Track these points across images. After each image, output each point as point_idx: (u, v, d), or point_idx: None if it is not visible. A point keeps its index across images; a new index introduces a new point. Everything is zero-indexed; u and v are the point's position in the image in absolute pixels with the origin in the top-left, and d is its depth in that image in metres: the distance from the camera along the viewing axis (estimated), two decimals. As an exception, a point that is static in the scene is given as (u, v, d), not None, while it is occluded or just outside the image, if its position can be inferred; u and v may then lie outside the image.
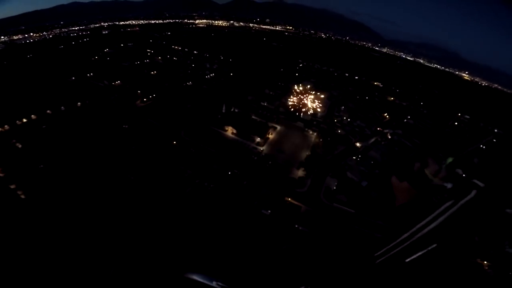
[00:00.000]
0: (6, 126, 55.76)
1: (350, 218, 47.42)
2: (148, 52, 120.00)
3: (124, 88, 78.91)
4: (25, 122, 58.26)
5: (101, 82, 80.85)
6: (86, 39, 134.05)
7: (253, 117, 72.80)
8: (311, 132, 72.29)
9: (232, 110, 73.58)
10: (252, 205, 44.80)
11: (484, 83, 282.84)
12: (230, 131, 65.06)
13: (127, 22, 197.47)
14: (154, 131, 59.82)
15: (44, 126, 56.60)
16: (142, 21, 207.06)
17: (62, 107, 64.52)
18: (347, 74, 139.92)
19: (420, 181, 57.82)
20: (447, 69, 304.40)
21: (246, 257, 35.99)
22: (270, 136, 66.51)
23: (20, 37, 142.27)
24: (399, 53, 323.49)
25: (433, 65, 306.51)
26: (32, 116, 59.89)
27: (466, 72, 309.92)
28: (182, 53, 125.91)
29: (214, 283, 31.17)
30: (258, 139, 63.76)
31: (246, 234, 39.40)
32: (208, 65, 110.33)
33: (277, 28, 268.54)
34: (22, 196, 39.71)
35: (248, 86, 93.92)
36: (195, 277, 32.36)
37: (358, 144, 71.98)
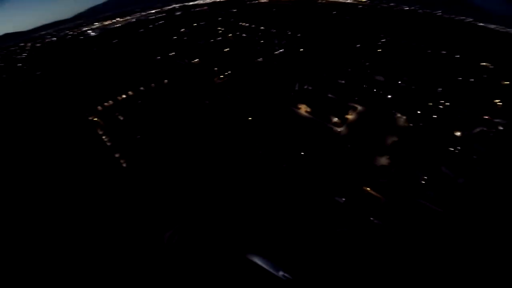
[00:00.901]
0: (110, 101, 65.81)
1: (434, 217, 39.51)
2: (219, 30, 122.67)
3: (203, 65, 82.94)
4: (124, 98, 67.52)
5: (182, 61, 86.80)
6: (163, 22, 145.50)
7: (329, 95, 66.95)
8: (399, 115, 62.35)
9: (305, 87, 69.17)
10: (324, 191, 41.66)
11: None
12: (303, 109, 61.49)
13: (196, 2, 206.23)
14: (232, 107, 61.30)
15: (139, 101, 64.50)
16: (209, 0, 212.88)
17: (152, 84, 72.12)
18: (444, 52, 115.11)
19: None
20: None
21: (310, 244, 33.75)
22: (350, 117, 60.17)
23: (109, 22, 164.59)
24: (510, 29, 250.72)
25: None
26: (129, 92, 68.91)
27: None
28: (250, 29, 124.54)
29: (280, 274, 29.66)
30: (336, 119, 58.48)
31: (314, 221, 36.94)
32: (276, 41, 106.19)
33: (348, 1, 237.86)
34: (124, 165, 46.23)
35: (322, 63, 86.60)
36: (258, 261, 31.30)
37: (458, 134, 58.78)
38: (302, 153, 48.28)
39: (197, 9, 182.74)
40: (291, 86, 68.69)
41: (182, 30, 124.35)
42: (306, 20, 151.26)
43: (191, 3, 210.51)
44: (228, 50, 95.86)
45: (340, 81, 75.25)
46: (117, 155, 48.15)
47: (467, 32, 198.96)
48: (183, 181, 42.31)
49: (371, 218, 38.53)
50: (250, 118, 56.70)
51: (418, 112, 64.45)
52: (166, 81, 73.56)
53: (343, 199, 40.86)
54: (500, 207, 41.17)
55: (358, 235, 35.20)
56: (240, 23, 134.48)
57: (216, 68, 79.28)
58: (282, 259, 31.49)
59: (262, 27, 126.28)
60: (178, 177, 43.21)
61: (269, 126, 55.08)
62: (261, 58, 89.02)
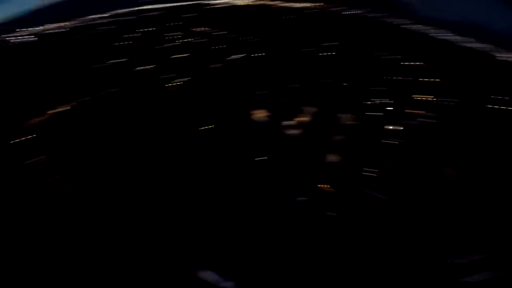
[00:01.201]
0: (43, 116, 60.15)
1: (381, 205, 45.51)
2: (174, 35, 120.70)
3: (156, 72, 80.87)
4: (62, 111, 61.99)
5: (133, 68, 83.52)
6: (113, 26, 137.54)
7: (283, 98, 71.00)
8: (343, 114, 69.01)
9: (262, 92, 72.36)
10: (284, 192, 44.60)
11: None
12: (260, 114, 64.22)
13: (150, 7, 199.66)
14: (188, 113, 61.14)
15: (81, 115, 60.03)
16: (158, 5, 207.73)
17: (99, 94, 67.92)
18: (382, 53, 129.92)
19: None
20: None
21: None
22: (303, 119, 64.72)
23: (52, 26, 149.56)
24: (439, 31, 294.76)
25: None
26: (69, 104, 63.55)
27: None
28: (206, 34, 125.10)
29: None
30: (290, 122, 62.23)
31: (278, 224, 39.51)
32: (233, 46, 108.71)
33: (302, 5, 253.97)
34: (67, 188, 42.63)
35: (279, 68, 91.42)
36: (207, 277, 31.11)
37: (396, 127, 67.44)
38: (261, 158, 50.77)
39: (152, 13, 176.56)
40: (249, 92, 71.15)
41: (134, 35, 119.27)
42: (266, 25, 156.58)
43: (145, 7, 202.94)
44: (184, 56, 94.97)
45: (293, 84, 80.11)
46: (55, 179, 44.38)
47: (405, 33, 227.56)
48: (137, 201, 41.12)
49: (329, 213, 42.33)
50: (210, 126, 57.40)
51: (361, 110, 72.19)
52: (114, 90, 69.94)
53: (305, 198, 44.14)
54: (436, 190, 49.04)
55: (318, 231, 38.50)
56: (198, 28, 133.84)
57: (171, 75, 78.02)
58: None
59: (221, 32, 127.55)
60: (132, 197, 41.84)
61: (226, 133, 56.54)
62: (218, 64, 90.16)
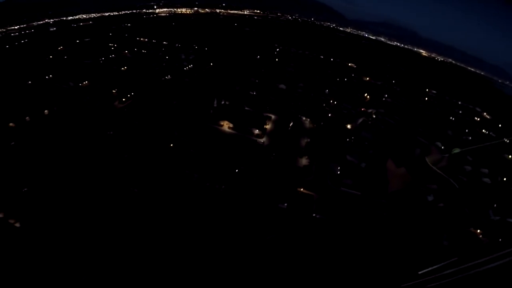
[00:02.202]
0: None
1: (357, 200, 49.22)
2: (112, 46, 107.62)
3: (95, 88, 70.01)
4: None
5: (66, 84, 70.69)
6: (32, 39, 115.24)
7: (246, 108, 70.18)
8: (304, 118, 72.32)
9: (222, 103, 69.99)
10: (267, 201, 43.83)
11: (439, 58, 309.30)
12: (226, 125, 61.99)
13: (77, 17, 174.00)
14: (144, 134, 54.42)
15: (12, 143, 47.76)
16: (94, 15, 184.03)
17: (27, 118, 55.15)
18: (322, 57, 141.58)
19: (418, 168, 61.21)
20: (406, 46, 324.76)
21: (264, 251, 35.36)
22: (268, 127, 65.02)
23: None
24: (361, 32, 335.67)
25: (394, 43, 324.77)
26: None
27: (422, 51, 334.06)
28: (150, 45, 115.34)
29: None
30: (257, 131, 61.88)
31: (267, 230, 38.67)
32: (183, 56, 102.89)
33: (245, 13, 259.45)
34: (17, 225, 33.56)
35: (232, 76, 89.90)
36: None
37: (349, 126, 74.03)
38: (236, 170, 48.71)
39: (80, 24, 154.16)
40: (209, 103, 67.88)
41: (60, 48, 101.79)
42: (210, 33, 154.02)
43: (70, 17, 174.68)
44: (126, 69, 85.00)
45: (251, 92, 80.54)
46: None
47: (331, 35, 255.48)
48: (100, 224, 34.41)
49: (314, 215, 43.13)
50: (171, 145, 52.28)
51: (317, 113, 77.08)
52: (46, 111, 57.75)
53: (285, 204, 43.89)
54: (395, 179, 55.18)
55: (309, 234, 38.77)
56: (138, 38, 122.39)
57: (114, 90, 68.64)
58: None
59: (164, 42, 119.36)
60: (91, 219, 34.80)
61: (195, 148, 52.46)
62: (169, 76, 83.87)
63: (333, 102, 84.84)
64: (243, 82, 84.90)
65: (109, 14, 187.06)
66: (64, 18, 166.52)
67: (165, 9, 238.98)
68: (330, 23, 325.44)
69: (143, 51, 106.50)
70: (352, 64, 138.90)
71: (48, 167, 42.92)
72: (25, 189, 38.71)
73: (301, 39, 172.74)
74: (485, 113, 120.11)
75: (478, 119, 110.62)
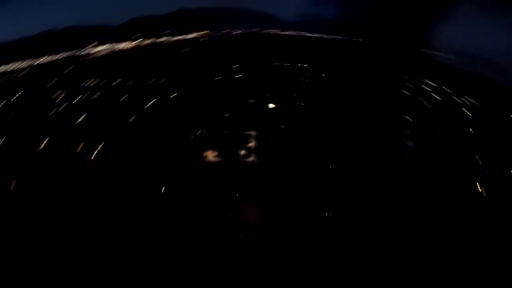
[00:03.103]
0: None
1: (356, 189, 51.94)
2: (59, 95, 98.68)
3: (57, 145, 63.29)
4: None
5: (22, 150, 62.57)
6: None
7: (224, 132, 69.94)
8: (283, 127, 74.57)
9: (199, 133, 68.79)
10: (279, 212, 44.01)
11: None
12: (210, 155, 60.89)
13: (9, 66, 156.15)
14: (130, 187, 50.64)
15: None
16: (25, 64, 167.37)
17: None
18: (276, 63, 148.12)
19: None
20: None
21: None
22: (252, 144, 65.53)
23: None
24: (302, 33, 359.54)
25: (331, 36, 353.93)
26: None
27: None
28: (101, 86, 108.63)
29: None
30: (243, 152, 61.97)
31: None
32: (142, 92, 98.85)
33: (190, 36, 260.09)
34: None
35: (199, 102, 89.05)
36: None
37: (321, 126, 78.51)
38: (236, 195, 48.04)
39: (15, 75, 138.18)
40: (185, 138, 66.05)
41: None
42: (160, 63, 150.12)
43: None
44: (83, 119, 78.63)
45: (224, 114, 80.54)
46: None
47: (277, 40, 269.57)
48: None
49: (326, 214, 44.10)
50: (162, 190, 49.56)
51: (293, 117, 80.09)
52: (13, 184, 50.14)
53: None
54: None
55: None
56: (86, 81, 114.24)
57: (81, 144, 62.94)
58: None
59: (116, 81, 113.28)
60: None
61: (187, 186, 50.51)
62: (133, 117, 79.65)
63: (301, 103, 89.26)
64: (212, 106, 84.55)
65: (45, 60, 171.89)
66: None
67: (104, 46, 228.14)
68: (274, 30, 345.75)
69: (97, 93, 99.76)
70: (306, 64, 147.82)
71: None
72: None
73: (253, 51, 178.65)
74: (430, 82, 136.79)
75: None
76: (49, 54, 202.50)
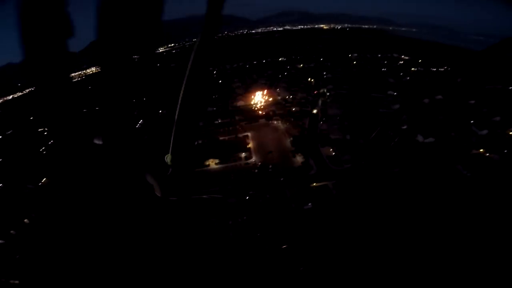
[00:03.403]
0: None
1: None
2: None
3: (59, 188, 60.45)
4: None
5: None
6: None
7: (220, 138, 69.31)
8: (275, 122, 75.02)
9: (196, 143, 67.67)
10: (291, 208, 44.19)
11: (338, 26, 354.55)
12: (212, 163, 60.16)
13: None
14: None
15: None
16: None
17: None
18: (255, 62, 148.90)
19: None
20: (308, 26, 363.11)
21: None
22: (250, 145, 65.35)
23: None
24: (270, 28, 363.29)
25: (298, 27, 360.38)
26: None
27: (322, 25, 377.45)
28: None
29: None
30: (243, 154, 61.66)
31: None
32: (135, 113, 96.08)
33: (160, 50, 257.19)
34: None
35: (189, 114, 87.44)
36: None
37: (314, 111, 79.61)
38: (247, 197, 47.92)
39: None
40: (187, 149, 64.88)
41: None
42: (138, 82, 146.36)
43: None
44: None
45: (216, 121, 79.58)
46: None
47: (248, 39, 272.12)
48: None
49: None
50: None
51: (284, 113, 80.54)
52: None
53: (310, 204, 44.57)
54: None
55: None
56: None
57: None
58: None
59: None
60: None
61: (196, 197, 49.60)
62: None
63: (289, 97, 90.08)
64: (203, 116, 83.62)
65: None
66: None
67: (74, 74, 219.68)
68: (242, 30, 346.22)
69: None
70: (282, 58, 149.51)
71: None
72: None
73: (227, 54, 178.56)
74: (403, 56, 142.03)
75: (402, 62, 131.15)
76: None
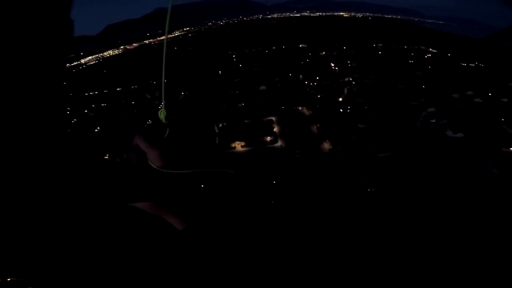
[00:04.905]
0: None
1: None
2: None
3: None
4: None
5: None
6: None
7: (245, 121, 69.26)
8: (300, 108, 74.18)
9: (220, 126, 68.04)
10: (323, 194, 44.49)
11: (359, 15, 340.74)
12: (238, 145, 60.52)
13: None
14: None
15: None
16: None
17: None
18: (274, 47, 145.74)
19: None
20: (327, 14, 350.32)
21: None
22: (276, 129, 65.18)
23: None
24: (286, 14, 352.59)
25: (316, 14, 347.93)
26: None
27: (342, 13, 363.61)
28: (104, 98, 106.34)
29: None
30: (269, 138, 61.65)
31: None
32: (149, 96, 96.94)
33: (177, 34, 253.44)
34: None
35: (211, 97, 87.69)
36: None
37: (340, 99, 78.13)
38: (273, 182, 48.38)
39: None
40: (209, 133, 65.43)
41: None
42: (156, 65, 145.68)
43: None
44: (99, 130, 77.09)
45: (240, 104, 79.33)
46: None
47: (264, 25, 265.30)
48: None
49: (368, 190, 44.88)
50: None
51: (309, 99, 79.45)
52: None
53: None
54: None
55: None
56: (86, 94, 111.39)
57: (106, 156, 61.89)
58: None
59: (118, 89, 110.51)
60: None
61: (224, 179, 50.44)
62: (149, 121, 78.33)
63: (313, 84, 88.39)
64: (226, 99, 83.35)
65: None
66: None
67: (92, 57, 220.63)
68: (258, 15, 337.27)
69: (102, 105, 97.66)
70: (303, 45, 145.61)
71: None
72: None
73: (245, 38, 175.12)
74: (430, 48, 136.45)
75: (429, 55, 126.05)
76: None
